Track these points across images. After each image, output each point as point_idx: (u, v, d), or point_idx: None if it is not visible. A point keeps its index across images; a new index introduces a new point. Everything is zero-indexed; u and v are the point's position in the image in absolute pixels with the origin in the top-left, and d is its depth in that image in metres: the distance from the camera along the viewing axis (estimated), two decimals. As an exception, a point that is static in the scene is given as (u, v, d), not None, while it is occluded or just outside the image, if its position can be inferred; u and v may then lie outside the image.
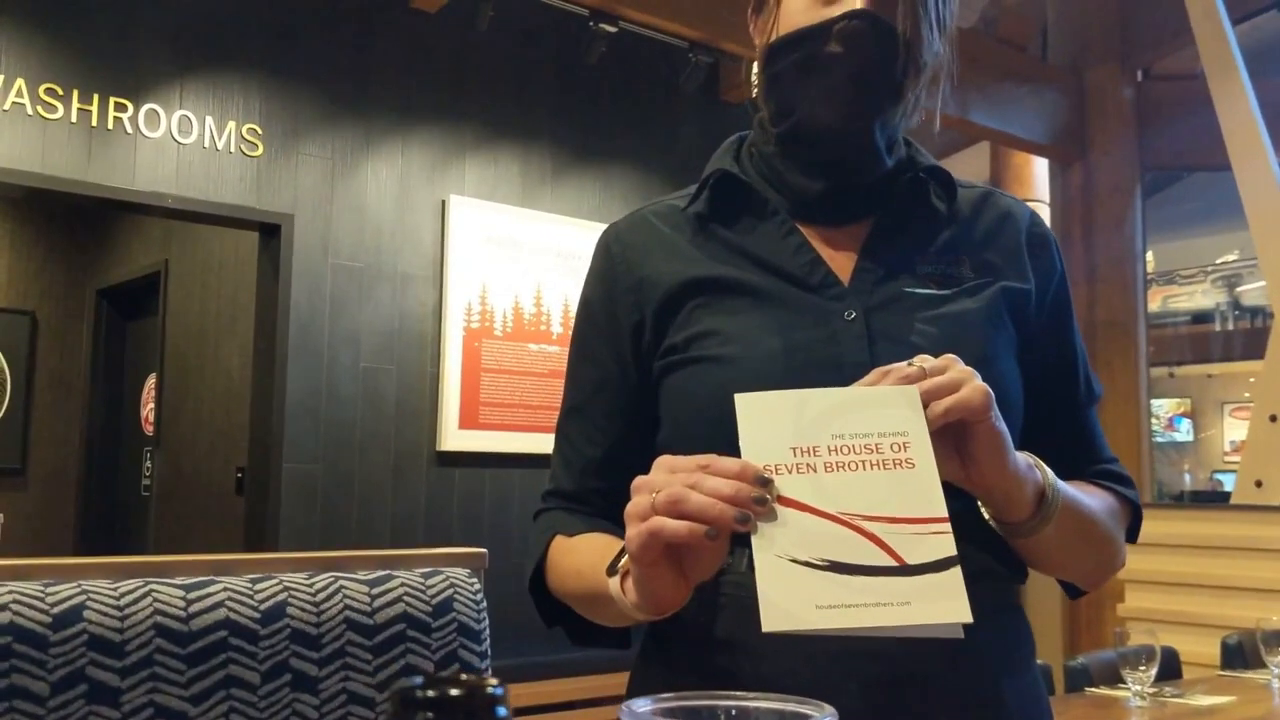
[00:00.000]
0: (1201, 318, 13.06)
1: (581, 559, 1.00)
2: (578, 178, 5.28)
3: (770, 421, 0.81)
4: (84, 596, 1.04)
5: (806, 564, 0.76)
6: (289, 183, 4.46)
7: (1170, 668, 2.79)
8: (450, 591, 1.27)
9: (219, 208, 4.28)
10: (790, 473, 0.79)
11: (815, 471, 0.79)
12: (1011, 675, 1.00)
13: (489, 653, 1.27)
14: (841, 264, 1.04)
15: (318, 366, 4.48)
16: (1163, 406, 12.66)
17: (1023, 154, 6.64)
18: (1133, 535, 1.12)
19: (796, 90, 1.04)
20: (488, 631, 1.28)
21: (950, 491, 0.85)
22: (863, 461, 0.80)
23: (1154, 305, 12.43)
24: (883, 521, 0.78)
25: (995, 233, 1.09)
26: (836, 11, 1.00)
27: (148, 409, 6.21)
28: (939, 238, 1.07)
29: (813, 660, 0.93)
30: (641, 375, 1.08)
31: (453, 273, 4.76)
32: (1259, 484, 4.15)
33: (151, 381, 6.09)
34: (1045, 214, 6.61)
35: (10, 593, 1.02)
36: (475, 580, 1.29)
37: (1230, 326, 12.52)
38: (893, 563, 0.76)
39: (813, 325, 1.00)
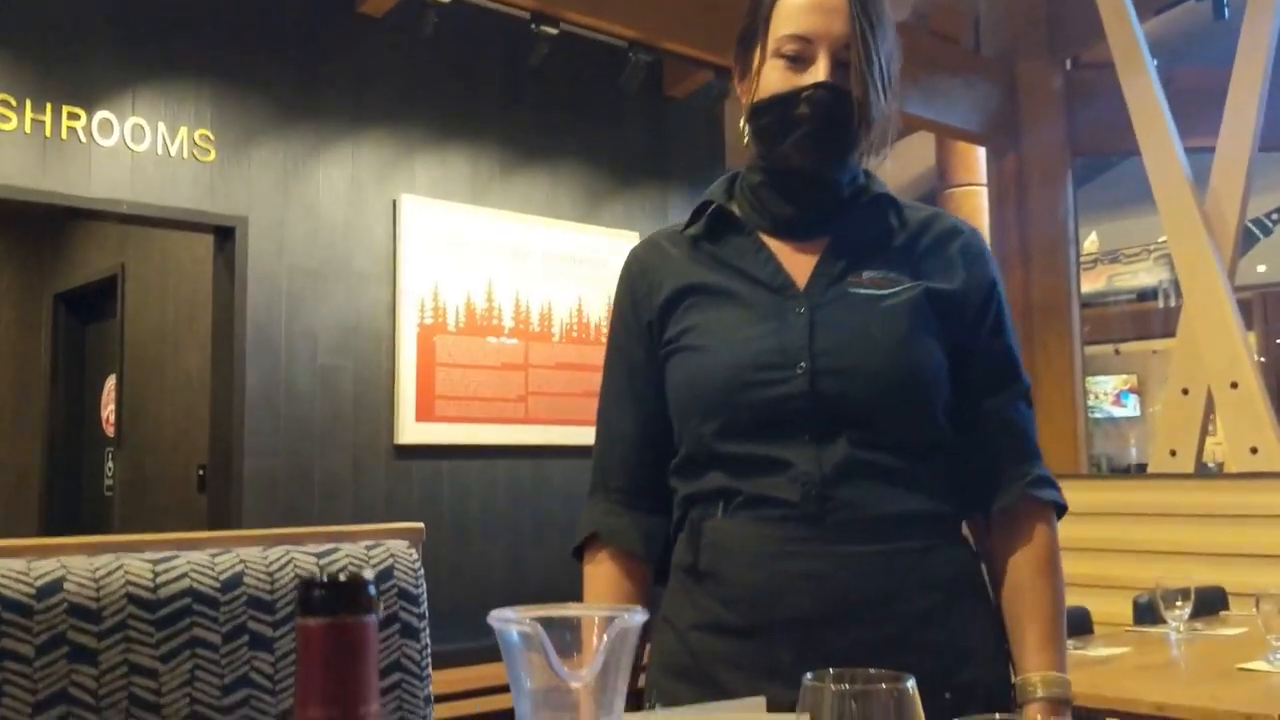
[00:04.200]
0: (1145, 295, 13.32)
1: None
2: (526, 175, 5.42)
3: None
4: (63, 570, 1.18)
5: None
6: (242, 186, 4.57)
7: (1081, 626, 2.98)
8: (391, 561, 1.41)
9: (173, 212, 4.39)
10: None
11: None
12: (959, 601, 1.27)
13: (426, 614, 1.42)
14: (801, 272, 1.33)
15: (276, 365, 4.60)
16: (1110, 383, 12.92)
17: (965, 144, 6.85)
18: (1058, 517, 1.35)
19: (774, 140, 1.33)
20: (425, 596, 1.43)
21: (885, 444, 1.24)
22: None
23: (1099, 284, 12.69)
24: None
25: (934, 247, 1.35)
26: (805, 81, 1.30)
27: (108, 410, 6.29)
28: (884, 251, 1.34)
29: (773, 580, 1.24)
30: (656, 367, 1.39)
31: (406, 270, 4.89)
32: (1173, 453, 4.38)
33: (111, 383, 6.18)
34: (984, 197, 6.83)
35: (-1, 568, 1.16)
36: (414, 551, 1.44)
37: (1172, 303, 12.83)
38: None
39: (770, 319, 1.30)
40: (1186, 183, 4.65)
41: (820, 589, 1.22)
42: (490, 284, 5.16)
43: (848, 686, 0.76)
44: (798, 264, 1.34)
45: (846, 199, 1.37)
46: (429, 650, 1.39)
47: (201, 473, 5.00)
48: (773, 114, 1.32)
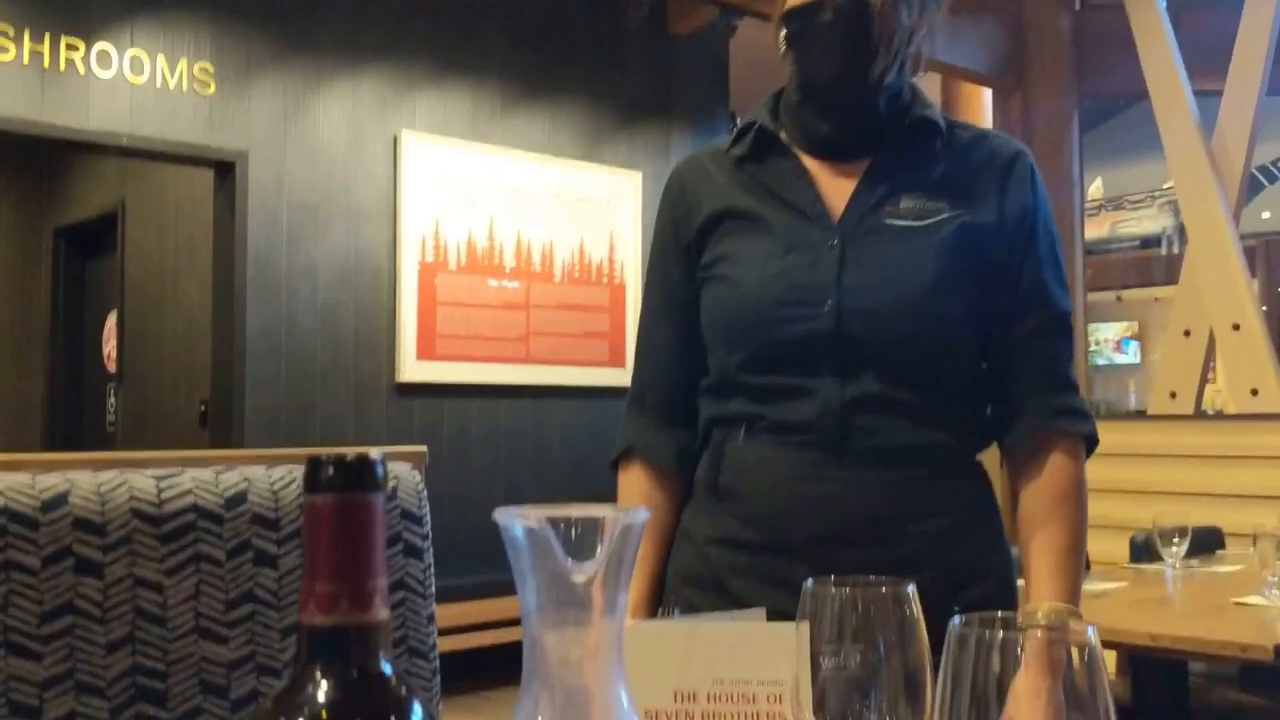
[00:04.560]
0: (1149, 242, 13.26)
1: None
2: (527, 113, 5.37)
3: (658, 658, 0.87)
4: (68, 485, 1.19)
5: None
6: (242, 121, 4.54)
7: (1078, 563, 2.99)
8: (394, 483, 1.42)
9: (173, 146, 4.36)
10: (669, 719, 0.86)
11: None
12: (970, 526, 1.29)
13: (429, 535, 1.43)
14: (839, 197, 1.31)
15: (276, 302, 4.60)
16: (1111, 330, 12.91)
17: (971, 85, 6.78)
18: (1089, 453, 1.34)
19: (801, 49, 1.31)
20: (428, 518, 1.44)
21: (907, 381, 1.23)
22: (738, 713, 0.85)
23: (1102, 231, 12.63)
24: None
25: (978, 172, 1.33)
26: None
27: (110, 346, 6.29)
28: (926, 176, 1.31)
29: (789, 502, 1.27)
30: (695, 286, 1.39)
31: (406, 208, 4.87)
32: (1173, 395, 4.39)
33: (112, 319, 6.18)
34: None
35: (2, 482, 1.17)
36: (417, 474, 1.45)
37: (1176, 250, 12.78)
38: None
39: (802, 252, 1.29)
40: (1194, 124, 4.62)
41: (835, 511, 1.25)
42: (491, 223, 5.14)
43: (848, 590, 0.76)
44: (836, 189, 1.32)
45: (888, 119, 1.33)
46: (432, 570, 1.41)
47: (204, 408, 5.02)
48: (799, 21, 1.31)
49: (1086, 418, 1.32)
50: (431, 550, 1.44)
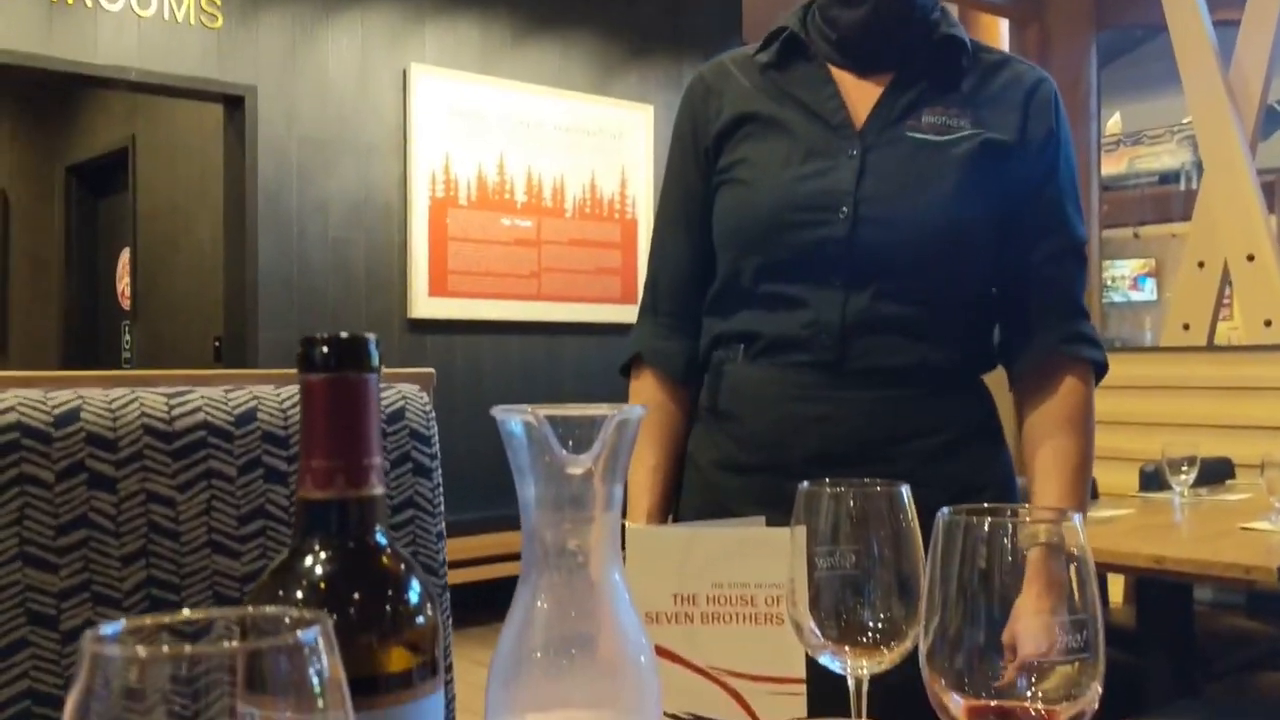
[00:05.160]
0: (1167, 178, 13.12)
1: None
2: (538, 45, 5.33)
3: (658, 562, 0.88)
4: (80, 401, 1.21)
5: (672, 717, 0.84)
6: (250, 54, 4.51)
7: (1086, 492, 3.01)
8: (402, 403, 1.43)
9: (181, 80, 4.34)
10: (669, 622, 0.87)
11: (692, 622, 0.87)
12: (970, 443, 1.30)
13: (438, 455, 1.45)
14: (862, 107, 1.31)
15: (288, 238, 4.60)
16: (1127, 267, 12.82)
17: (989, 15, 6.68)
18: (1098, 380, 1.34)
19: None
20: (436, 438, 1.45)
21: (914, 297, 1.23)
22: (736, 614, 0.87)
23: (1120, 167, 12.49)
24: (745, 679, 0.85)
25: (1000, 94, 1.33)
26: None
27: (123, 283, 6.32)
28: (948, 94, 1.31)
29: (786, 423, 1.28)
30: (711, 193, 1.38)
31: (416, 142, 4.85)
32: (1186, 327, 4.37)
33: (125, 256, 6.20)
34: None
35: (15, 397, 1.19)
36: (424, 395, 1.46)
37: (1194, 186, 12.64)
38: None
39: (821, 159, 1.29)
40: (1212, 53, 4.55)
41: (832, 431, 1.26)
42: (502, 157, 5.12)
43: (843, 491, 0.77)
44: (860, 97, 1.32)
45: (916, 30, 1.33)
46: (441, 490, 1.42)
47: (217, 344, 5.04)
48: None
49: (1097, 345, 1.32)
50: (440, 470, 1.46)
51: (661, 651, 0.83)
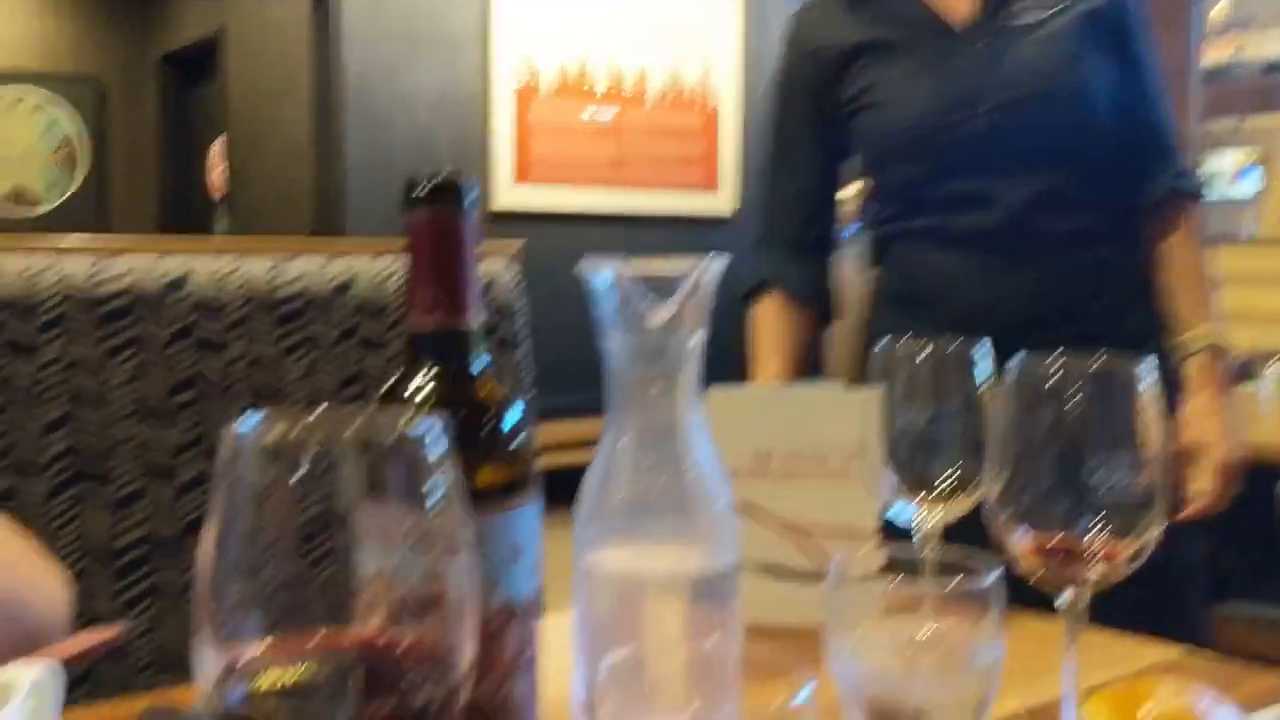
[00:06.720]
0: (1276, 67, 12.53)
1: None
2: (621, -70, 5.23)
3: (739, 420, 0.93)
4: (187, 269, 1.27)
5: (750, 564, 0.86)
6: (335, -58, 4.51)
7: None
8: (488, 279, 1.48)
9: (269, -31, 4.37)
10: (748, 478, 0.92)
11: (767, 478, 0.92)
12: (1133, 302, 1.45)
13: (526, 329, 1.50)
14: (963, 15, 1.46)
15: (375, 129, 4.65)
16: (1228, 158, 12.35)
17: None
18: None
19: None
20: (524, 311, 1.50)
21: (1053, 168, 1.39)
22: (811, 471, 0.91)
23: (1225, 55, 11.96)
24: (820, 531, 0.89)
25: None
26: None
27: (215, 173, 6.44)
28: None
29: (976, 302, 1.41)
30: (824, 124, 1.52)
31: (498, 32, 4.84)
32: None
33: (218, 146, 6.31)
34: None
35: (128, 264, 1.25)
36: (513, 266, 1.51)
37: (1304, 76, 12.07)
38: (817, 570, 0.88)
39: (942, 65, 1.43)
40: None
41: (1013, 304, 1.40)
42: (584, 47, 5.08)
43: (917, 349, 0.80)
44: (954, 9, 1.46)
45: None
46: (531, 359, 1.48)
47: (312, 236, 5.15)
48: None
49: (1195, 176, 1.52)
50: (529, 343, 1.51)
51: (740, 504, 0.88)
